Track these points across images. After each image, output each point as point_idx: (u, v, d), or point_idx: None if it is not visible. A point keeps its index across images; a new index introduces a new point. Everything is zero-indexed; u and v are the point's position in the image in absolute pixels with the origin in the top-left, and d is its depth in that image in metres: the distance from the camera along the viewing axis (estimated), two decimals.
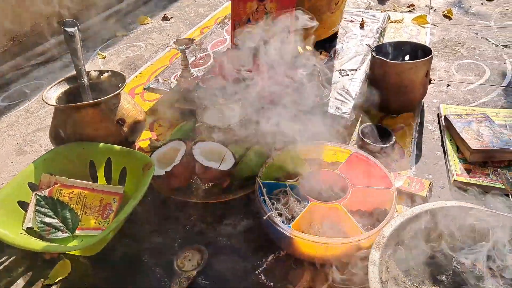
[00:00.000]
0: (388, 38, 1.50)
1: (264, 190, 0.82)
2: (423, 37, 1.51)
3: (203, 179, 0.88)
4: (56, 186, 0.87)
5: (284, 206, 0.82)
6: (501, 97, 1.16)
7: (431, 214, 0.73)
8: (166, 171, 0.87)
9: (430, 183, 0.89)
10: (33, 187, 0.86)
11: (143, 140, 1.11)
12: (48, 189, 0.86)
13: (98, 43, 1.65)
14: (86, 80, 1.04)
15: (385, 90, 1.09)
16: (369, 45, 1.15)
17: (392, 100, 1.10)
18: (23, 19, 1.52)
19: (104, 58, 1.55)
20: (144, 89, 1.22)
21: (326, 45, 1.30)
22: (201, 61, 1.32)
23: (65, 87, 1.04)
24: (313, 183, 0.85)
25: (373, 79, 1.12)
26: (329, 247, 0.72)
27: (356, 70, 1.19)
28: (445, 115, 1.06)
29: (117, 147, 0.92)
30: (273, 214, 0.77)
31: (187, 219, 0.87)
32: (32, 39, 1.54)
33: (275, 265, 0.77)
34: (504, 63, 1.31)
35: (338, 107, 1.05)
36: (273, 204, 0.82)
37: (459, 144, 0.98)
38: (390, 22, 1.60)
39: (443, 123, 1.06)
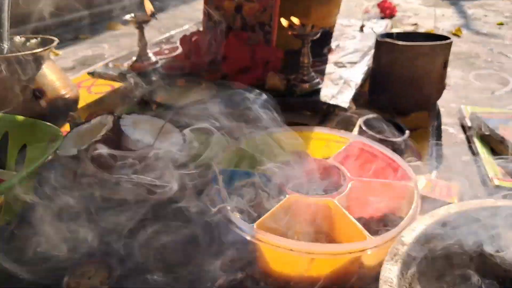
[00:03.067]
0: None
1: (220, 179, 0.54)
2: None
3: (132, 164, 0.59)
4: None
5: (249, 203, 0.54)
6: None
7: (478, 214, 0.46)
8: (79, 150, 0.59)
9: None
10: None
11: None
12: None
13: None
14: (6, 47, 0.79)
15: (393, 83, 0.86)
16: (373, 30, 0.93)
17: (402, 96, 0.86)
18: None
19: (57, 55, 1.31)
20: (88, 74, 0.97)
21: (318, 41, 1.08)
22: (166, 51, 1.09)
23: None
24: (295, 174, 0.57)
25: (378, 70, 0.89)
26: (316, 259, 0.44)
27: (355, 63, 0.96)
28: (472, 112, 0.81)
29: (19, 117, 0.65)
30: (229, 208, 0.49)
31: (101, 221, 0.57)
32: None
33: None
34: None
35: (334, 96, 0.80)
36: (232, 199, 0.54)
37: (495, 144, 0.72)
38: None
39: (469, 124, 0.81)
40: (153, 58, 0.97)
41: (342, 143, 0.65)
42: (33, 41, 0.83)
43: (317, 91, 0.82)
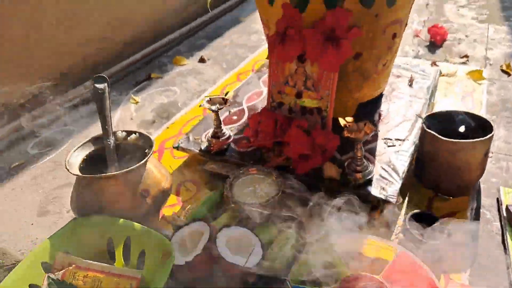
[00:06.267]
0: (440, 96, 1.37)
1: None
2: (479, 95, 1.37)
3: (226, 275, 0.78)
4: (70, 268, 0.80)
5: None
6: None
7: None
8: (186, 262, 0.79)
9: None
10: (46, 267, 0.80)
11: (169, 206, 1.04)
12: (62, 271, 0.80)
13: (132, 85, 1.62)
14: (112, 141, 0.98)
15: (436, 169, 0.97)
16: (419, 116, 1.04)
17: (444, 181, 0.98)
18: (58, 57, 1.51)
19: (137, 103, 1.51)
20: (174, 147, 1.16)
21: (370, 107, 1.19)
22: (234, 117, 1.25)
23: (90, 148, 0.99)
24: None
25: (423, 155, 1.00)
26: None
27: (403, 140, 1.07)
28: (506, 205, 0.92)
29: (137, 225, 0.85)
30: None
31: None
32: (66, 82, 1.53)
33: None
34: None
35: (383, 188, 0.94)
36: None
37: None
38: (441, 76, 1.48)
39: (504, 214, 0.93)
40: (227, 133, 1.13)
41: (390, 250, 0.80)
42: (133, 136, 1.02)
43: (369, 181, 0.96)
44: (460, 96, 1.37)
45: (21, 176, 1.19)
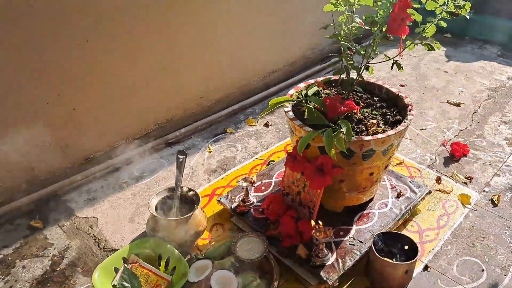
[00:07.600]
0: (424, 211, 1.74)
1: None
2: (457, 217, 1.72)
3: None
4: (136, 264, 1.46)
5: None
6: None
7: None
8: (194, 281, 1.39)
9: None
10: (124, 261, 1.47)
11: (202, 238, 1.64)
12: (131, 265, 1.46)
13: (211, 136, 2.26)
14: (179, 192, 1.63)
15: (374, 271, 1.43)
16: (372, 232, 1.49)
17: (377, 281, 1.43)
18: (167, 108, 2.21)
19: (210, 152, 2.15)
20: (217, 200, 1.76)
21: (356, 208, 1.65)
22: (263, 187, 1.81)
23: (164, 194, 1.64)
24: None
25: (369, 258, 1.46)
26: None
27: (363, 243, 1.53)
28: None
29: (176, 252, 1.48)
30: None
31: None
32: (170, 126, 2.23)
33: None
34: (505, 275, 1.49)
35: (328, 272, 1.43)
36: None
37: None
38: (437, 190, 1.85)
39: None
40: (251, 200, 1.70)
41: None
42: (191, 193, 1.65)
43: (323, 265, 1.45)
44: (438, 214, 1.74)
45: (126, 191, 1.91)
